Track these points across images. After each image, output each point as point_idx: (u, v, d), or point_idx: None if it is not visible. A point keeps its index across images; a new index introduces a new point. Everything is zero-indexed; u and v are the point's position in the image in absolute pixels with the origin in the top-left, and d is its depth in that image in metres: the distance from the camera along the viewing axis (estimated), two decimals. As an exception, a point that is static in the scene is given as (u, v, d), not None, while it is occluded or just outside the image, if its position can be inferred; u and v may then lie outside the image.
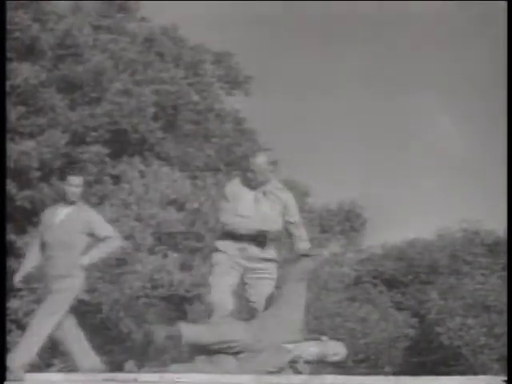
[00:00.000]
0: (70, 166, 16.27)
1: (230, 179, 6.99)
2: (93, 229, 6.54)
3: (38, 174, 15.96)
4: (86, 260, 6.52)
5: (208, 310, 6.37)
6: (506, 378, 5.40)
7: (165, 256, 15.39)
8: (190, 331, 5.77)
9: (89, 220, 6.56)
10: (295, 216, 6.62)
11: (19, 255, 6.91)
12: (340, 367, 6.02)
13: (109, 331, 14.53)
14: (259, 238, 6.45)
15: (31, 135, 16.57)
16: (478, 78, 36.09)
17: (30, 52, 17.10)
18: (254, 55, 33.50)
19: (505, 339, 15.64)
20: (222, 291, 6.33)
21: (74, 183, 6.59)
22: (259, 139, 21.28)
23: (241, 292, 6.48)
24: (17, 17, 16.48)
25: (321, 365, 6.17)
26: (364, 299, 17.82)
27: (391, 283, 19.45)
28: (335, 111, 37.37)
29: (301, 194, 21.40)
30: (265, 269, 6.45)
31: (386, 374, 15.28)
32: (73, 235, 6.47)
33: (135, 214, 15.89)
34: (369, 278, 19.14)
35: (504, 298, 15.40)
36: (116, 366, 6.80)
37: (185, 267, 15.34)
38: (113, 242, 6.69)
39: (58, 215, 6.57)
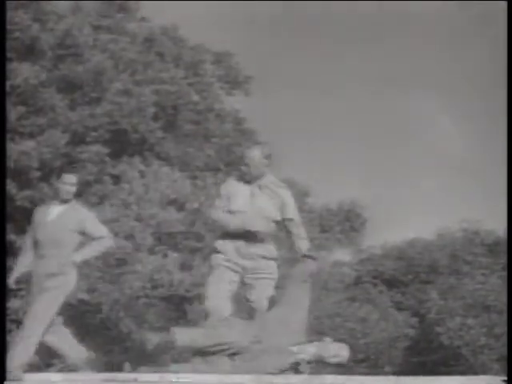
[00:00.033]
0: (70, 165, 16.29)
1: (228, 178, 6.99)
2: (85, 227, 6.53)
3: (38, 173, 15.96)
4: (79, 257, 6.51)
5: (205, 315, 6.36)
6: (505, 378, 5.40)
7: (165, 256, 15.39)
8: (183, 336, 5.76)
9: (82, 218, 6.56)
10: (293, 213, 6.56)
11: (19, 255, 6.94)
12: (340, 367, 6.00)
13: (109, 331, 14.54)
14: (253, 235, 6.40)
15: (31, 135, 16.57)
16: (478, 78, 36.12)
17: (30, 52, 17.10)
18: (254, 55, 33.53)
19: (505, 339, 15.64)
20: (219, 297, 6.31)
21: (69, 181, 6.58)
22: (259, 139, 21.27)
23: (241, 293, 6.45)
24: (17, 17, 16.47)
25: (321, 365, 6.17)
26: (364, 299, 17.82)
27: (391, 283, 19.45)
28: (335, 111, 37.40)
29: (301, 194, 21.40)
30: (265, 268, 6.41)
31: (386, 373, 15.29)
32: (65, 233, 6.45)
33: (135, 213, 15.89)
34: (369, 277, 19.14)
35: (504, 298, 15.40)
36: (116, 366, 6.80)
37: (185, 267, 15.34)
38: (105, 241, 6.69)
39: (51, 213, 6.56)
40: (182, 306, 14.99)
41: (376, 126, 38.63)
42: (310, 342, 5.97)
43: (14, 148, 15.51)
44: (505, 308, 15.24)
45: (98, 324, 14.58)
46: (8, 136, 14.49)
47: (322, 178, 30.22)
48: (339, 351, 6.02)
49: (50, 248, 6.41)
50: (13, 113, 15.96)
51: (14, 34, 16.38)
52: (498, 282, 17.37)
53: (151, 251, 15.51)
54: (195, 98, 20.38)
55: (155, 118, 18.51)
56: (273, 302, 6.31)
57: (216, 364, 5.70)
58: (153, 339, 5.91)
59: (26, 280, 6.48)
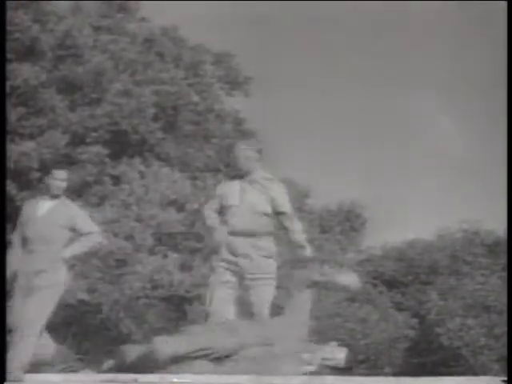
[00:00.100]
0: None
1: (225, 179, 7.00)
2: (76, 223, 6.51)
3: (38, 174, 15.96)
4: (68, 253, 6.48)
5: (205, 316, 6.34)
6: (505, 379, 5.40)
7: (165, 256, 15.39)
8: (165, 346, 5.73)
9: (72, 215, 6.53)
10: (285, 206, 6.47)
11: (7, 252, 6.93)
12: (337, 370, 6.00)
13: (109, 332, 14.53)
14: (246, 232, 6.37)
15: (31, 136, 16.57)
16: (478, 78, 36.09)
17: (30, 53, 17.11)
18: (254, 56, 33.51)
19: (505, 340, 15.64)
20: (219, 299, 6.30)
21: (59, 177, 6.56)
22: (258, 139, 21.28)
23: (242, 295, 6.40)
24: (17, 17, 16.48)
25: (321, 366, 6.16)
26: (364, 300, 17.80)
27: (391, 284, 19.44)
28: (335, 111, 37.39)
29: (301, 194, 21.41)
30: (263, 268, 6.35)
31: (386, 374, 15.28)
32: (55, 229, 6.42)
33: (135, 214, 15.89)
34: (369, 278, 19.12)
35: (504, 299, 15.40)
36: (116, 367, 6.79)
37: (185, 268, 15.34)
38: (94, 237, 6.68)
39: (40, 209, 6.52)
40: (182, 307, 14.99)
41: (376, 126, 38.62)
42: (317, 346, 5.96)
43: (14, 149, 15.52)
44: (505, 308, 15.24)
45: (98, 324, 14.58)
46: (8, 137, 14.49)
47: (321, 178, 30.21)
48: (336, 354, 6.01)
49: (39, 244, 6.36)
50: (13, 114, 15.97)
51: (14, 35, 16.38)
52: (498, 282, 17.36)
53: (151, 252, 15.51)
54: (195, 98, 20.38)
55: (155, 118, 18.51)
56: (276, 305, 6.28)
57: (197, 368, 5.69)
58: (132, 352, 5.85)
59: (13, 278, 6.38)
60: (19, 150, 15.69)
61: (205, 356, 5.75)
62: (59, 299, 6.48)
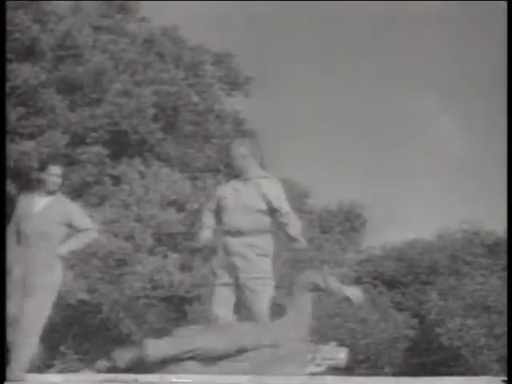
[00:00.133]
0: (70, 166, 16.29)
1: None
2: (72, 219, 6.49)
3: (38, 174, 15.96)
4: (64, 249, 6.45)
5: (206, 318, 6.33)
6: (505, 379, 5.40)
7: (165, 257, 15.39)
8: (156, 348, 5.74)
9: (69, 211, 6.51)
10: (280, 202, 6.41)
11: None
12: (337, 370, 6.00)
13: (109, 332, 14.53)
14: (241, 231, 6.35)
15: (31, 136, 16.58)
16: (478, 78, 36.07)
17: (30, 53, 17.11)
18: (254, 56, 33.47)
19: (505, 340, 15.63)
20: (218, 301, 6.30)
21: (55, 173, 6.54)
22: (259, 139, 21.29)
23: (240, 296, 6.38)
24: (17, 17, 16.48)
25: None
26: (364, 300, 17.78)
27: (391, 284, 19.41)
28: (335, 111, 37.38)
29: (301, 194, 21.42)
30: (260, 267, 6.32)
31: (386, 374, 15.28)
32: (51, 225, 6.39)
33: (135, 214, 15.90)
34: (369, 278, 19.10)
35: (504, 299, 15.39)
36: (116, 367, 6.78)
37: (185, 268, 15.34)
38: (91, 233, 6.66)
39: (36, 205, 6.49)
40: (181, 307, 14.99)
41: (376, 126, 38.60)
42: (319, 347, 5.96)
43: (14, 149, 15.52)
44: (505, 308, 15.22)
45: (98, 324, 14.58)
46: (8, 137, 14.50)
47: (321, 178, 30.18)
48: (336, 354, 6.01)
49: (35, 240, 6.32)
50: (13, 114, 15.97)
51: (14, 35, 16.39)
52: (498, 282, 17.34)
53: (151, 252, 15.51)
54: (195, 98, 20.39)
55: (155, 118, 18.51)
56: (276, 305, 6.26)
57: (188, 370, 5.69)
58: (123, 356, 5.85)
59: (8, 274, 6.33)
60: (19, 150, 15.70)
61: (194, 358, 5.75)
62: (57, 297, 6.46)
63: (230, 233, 6.40)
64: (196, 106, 20.22)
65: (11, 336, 6.14)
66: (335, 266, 18.28)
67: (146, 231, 15.56)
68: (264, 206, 6.36)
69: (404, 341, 17.45)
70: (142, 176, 16.96)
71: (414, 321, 17.81)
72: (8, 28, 14.61)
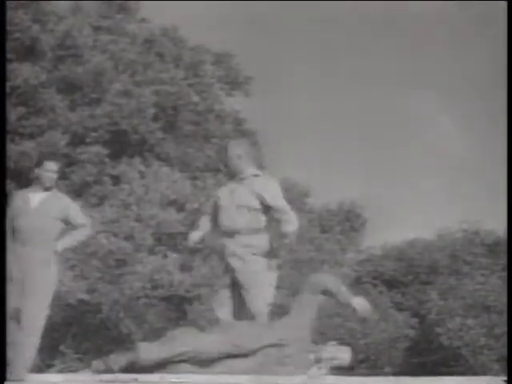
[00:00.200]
0: (70, 166, 16.30)
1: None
2: (69, 215, 6.47)
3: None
4: (60, 246, 6.44)
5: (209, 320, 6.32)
6: (505, 379, 5.40)
7: (165, 256, 15.39)
8: (148, 351, 5.74)
9: (65, 206, 6.49)
10: (274, 200, 6.37)
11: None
12: (340, 368, 6.00)
13: (108, 331, 14.53)
14: (236, 231, 6.34)
15: (31, 136, 16.59)
16: (478, 78, 36.09)
17: (30, 53, 17.12)
18: (254, 56, 33.50)
19: (505, 340, 15.63)
20: (216, 301, 6.30)
21: (51, 168, 6.51)
22: (259, 139, 21.30)
23: (239, 295, 6.36)
24: (17, 17, 16.49)
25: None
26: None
27: (391, 283, 19.41)
28: (335, 111, 37.41)
29: (301, 194, 21.42)
30: (254, 265, 6.29)
31: (386, 374, 15.27)
32: (48, 221, 6.36)
33: (135, 214, 15.89)
34: (369, 278, 19.10)
35: (504, 299, 15.39)
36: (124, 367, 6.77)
37: (185, 268, 15.34)
38: (86, 230, 6.64)
39: (31, 200, 6.47)
40: (182, 307, 14.99)
41: (376, 126, 38.61)
42: (320, 347, 5.95)
43: (14, 148, 15.53)
44: (505, 308, 15.22)
45: (98, 324, 14.58)
46: (8, 136, 14.51)
47: (321, 178, 30.19)
48: (338, 354, 6.01)
49: (32, 237, 6.30)
50: (13, 113, 15.98)
51: (14, 35, 16.40)
52: (498, 282, 17.35)
53: (151, 252, 15.51)
54: (195, 98, 20.39)
55: (155, 118, 18.52)
56: (276, 306, 6.24)
57: (178, 371, 5.70)
58: (117, 361, 5.85)
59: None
60: (19, 150, 15.71)
61: (187, 360, 5.75)
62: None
63: (225, 234, 6.40)
64: (196, 106, 20.23)
65: (11, 336, 6.12)
66: (335, 265, 18.28)
67: (146, 231, 15.56)
68: (257, 205, 6.33)
69: (404, 340, 17.46)
70: (142, 176, 16.96)
71: (414, 320, 17.82)
72: (8, 28, 14.63)
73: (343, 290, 6.24)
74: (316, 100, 38.30)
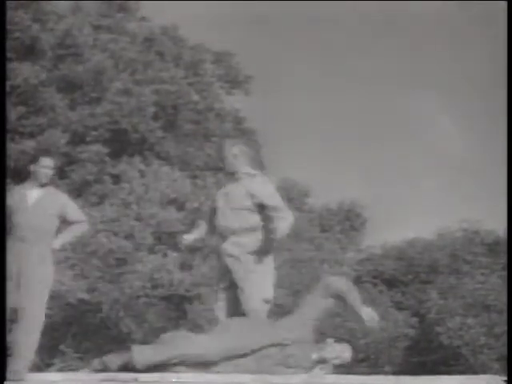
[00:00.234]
0: (70, 165, 16.30)
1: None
2: (66, 212, 6.44)
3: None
4: (58, 244, 6.41)
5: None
6: (506, 378, 5.40)
7: (165, 255, 15.39)
8: (142, 354, 5.73)
9: (62, 203, 6.46)
10: (272, 198, 6.34)
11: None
12: (342, 368, 6.00)
13: (109, 331, 14.53)
14: (229, 230, 6.33)
15: (31, 135, 16.58)
16: (478, 78, 36.09)
17: (30, 52, 17.12)
18: (254, 55, 33.48)
19: (505, 339, 15.64)
20: (219, 306, 6.30)
21: (47, 165, 6.48)
22: (259, 139, 21.31)
23: (232, 294, 6.34)
24: (17, 17, 16.49)
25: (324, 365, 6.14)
26: (364, 299, 17.79)
27: (391, 283, 19.42)
28: (335, 111, 37.40)
29: (301, 194, 21.42)
30: (250, 265, 6.27)
31: (386, 373, 15.28)
32: (46, 218, 6.34)
33: (135, 213, 15.89)
34: (369, 277, 19.11)
35: (504, 298, 15.40)
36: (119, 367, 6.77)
37: (185, 267, 15.34)
38: (83, 226, 6.61)
39: (28, 197, 6.43)
40: (182, 306, 14.99)
41: (376, 126, 38.60)
42: (321, 346, 5.94)
43: (14, 147, 15.52)
44: (505, 307, 15.23)
45: (98, 323, 14.58)
46: (8, 136, 14.50)
47: (321, 178, 30.20)
48: (340, 352, 6.00)
49: (29, 234, 6.26)
50: (13, 113, 15.98)
51: (14, 34, 16.40)
52: (498, 281, 17.36)
53: (151, 251, 15.51)
54: (195, 97, 20.39)
55: (155, 117, 18.52)
56: (276, 306, 6.21)
57: (178, 371, 5.69)
58: (114, 361, 5.84)
59: None
60: (19, 149, 15.69)
61: (182, 363, 5.74)
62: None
63: (222, 234, 6.40)
64: (196, 105, 20.23)
65: (11, 335, 6.11)
66: (335, 265, 18.27)
67: (146, 230, 15.55)
68: (250, 204, 6.31)
69: (404, 340, 17.46)
70: (142, 175, 16.96)
71: (414, 320, 17.83)
72: (8, 27, 14.62)
73: (356, 297, 6.19)
74: (316, 100, 38.31)
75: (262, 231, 6.34)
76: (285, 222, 6.22)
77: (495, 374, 8.69)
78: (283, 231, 6.21)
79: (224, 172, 7.52)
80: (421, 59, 38.20)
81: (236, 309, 6.27)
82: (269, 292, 6.31)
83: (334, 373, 5.89)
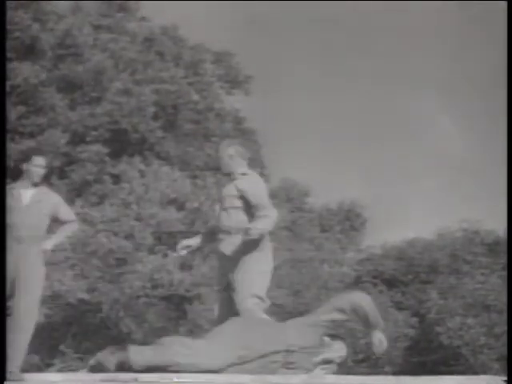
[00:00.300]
0: (70, 165, 16.29)
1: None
2: (59, 211, 6.43)
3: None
4: (50, 244, 6.40)
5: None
6: (506, 378, 5.39)
7: (165, 255, 15.38)
8: (138, 355, 5.70)
9: (55, 202, 6.45)
10: (258, 198, 6.31)
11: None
12: (340, 367, 5.98)
13: (109, 331, 14.53)
14: (221, 230, 6.34)
15: (31, 135, 16.58)
16: (478, 78, 36.10)
17: (30, 52, 17.12)
18: (254, 55, 33.51)
19: (505, 339, 15.65)
20: (219, 307, 6.30)
21: (39, 163, 6.47)
22: (259, 139, 21.32)
23: (230, 295, 6.33)
24: (17, 17, 16.49)
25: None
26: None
27: (391, 283, 19.42)
28: (335, 111, 37.40)
29: (301, 194, 21.42)
30: (241, 266, 6.26)
31: (386, 373, 15.27)
32: (40, 218, 6.33)
33: (135, 213, 15.89)
34: (369, 277, 19.11)
35: (504, 298, 15.40)
36: (116, 366, 6.77)
37: (185, 267, 15.34)
38: (74, 225, 6.60)
39: (23, 196, 6.42)
40: (182, 306, 14.99)
41: (376, 126, 38.61)
42: (323, 347, 5.92)
43: (14, 147, 15.52)
44: (505, 307, 15.24)
45: (98, 323, 14.58)
46: (8, 135, 14.50)
47: (321, 178, 30.20)
48: (339, 351, 5.99)
49: (24, 234, 6.25)
50: (13, 112, 15.98)
51: (14, 34, 16.40)
52: (498, 281, 17.37)
53: (151, 251, 15.50)
54: (195, 97, 20.40)
55: (155, 117, 18.52)
56: (276, 306, 6.21)
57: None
58: (111, 360, 5.82)
59: None
60: (19, 149, 15.68)
61: (178, 371, 5.71)
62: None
63: (217, 234, 6.41)
64: (196, 105, 20.23)
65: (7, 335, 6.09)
66: (335, 265, 18.29)
67: (146, 230, 15.55)
68: (239, 204, 6.32)
69: (404, 340, 17.46)
70: (142, 175, 16.95)
71: (414, 320, 17.83)
72: (8, 27, 14.61)
73: (378, 320, 6.07)
74: (316, 100, 38.30)
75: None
76: (265, 220, 6.20)
77: (495, 374, 8.70)
78: (263, 229, 6.19)
79: (221, 172, 7.49)
80: (421, 59, 38.22)
81: (230, 309, 6.27)
82: (261, 289, 6.29)
83: (334, 373, 5.88)
